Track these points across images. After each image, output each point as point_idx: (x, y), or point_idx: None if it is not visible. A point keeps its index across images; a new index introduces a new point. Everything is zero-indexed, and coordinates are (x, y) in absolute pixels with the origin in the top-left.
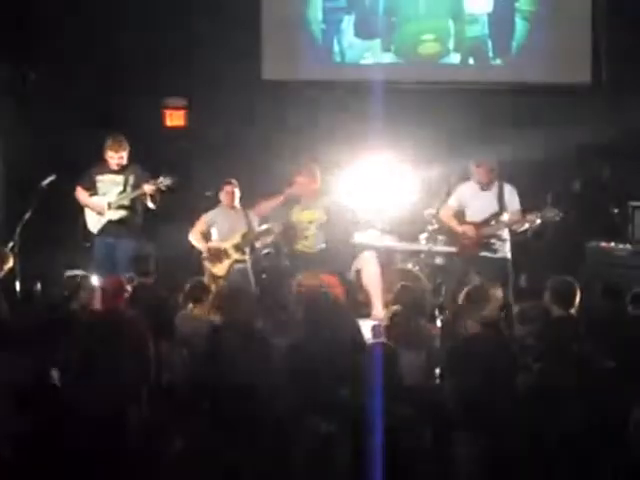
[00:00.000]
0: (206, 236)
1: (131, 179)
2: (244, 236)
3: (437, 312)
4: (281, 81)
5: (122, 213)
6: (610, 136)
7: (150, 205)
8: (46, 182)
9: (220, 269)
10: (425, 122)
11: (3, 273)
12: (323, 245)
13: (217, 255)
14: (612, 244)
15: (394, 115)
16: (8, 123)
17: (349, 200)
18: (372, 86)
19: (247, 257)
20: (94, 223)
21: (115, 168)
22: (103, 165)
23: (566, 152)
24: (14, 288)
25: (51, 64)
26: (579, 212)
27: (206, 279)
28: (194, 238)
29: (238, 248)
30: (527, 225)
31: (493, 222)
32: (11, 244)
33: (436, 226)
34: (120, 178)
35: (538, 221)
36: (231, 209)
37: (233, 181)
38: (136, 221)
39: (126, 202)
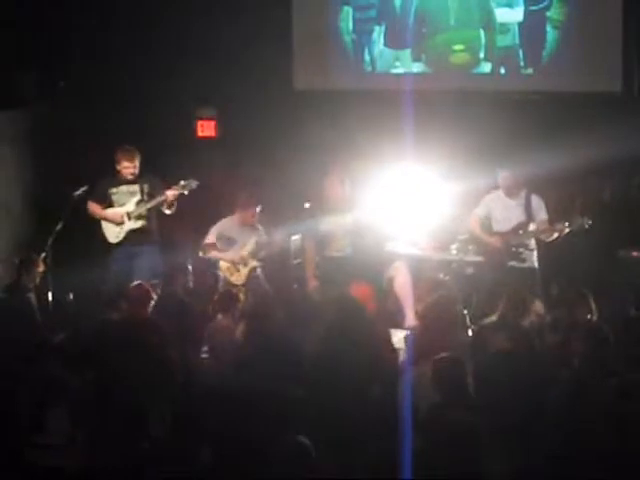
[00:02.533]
0: (217, 247)
1: (146, 187)
2: (257, 244)
3: (468, 322)
4: (312, 91)
5: (142, 222)
6: None
7: (167, 211)
8: (78, 192)
9: (238, 278)
10: (456, 132)
11: (37, 280)
12: (350, 250)
13: (234, 264)
14: None
15: (425, 125)
16: (39, 131)
17: (380, 210)
18: (403, 96)
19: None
20: (114, 234)
21: (130, 178)
22: (115, 177)
23: (596, 161)
24: (47, 298)
25: (82, 72)
26: (609, 221)
27: (222, 288)
28: (205, 251)
29: (253, 255)
30: (556, 234)
31: (521, 231)
32: (43, 255)
33: (467, 236)
34: (135, 187)
35: (567, 230)
36: (245, 224)
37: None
38: (155, 228)
39: (145, 212)
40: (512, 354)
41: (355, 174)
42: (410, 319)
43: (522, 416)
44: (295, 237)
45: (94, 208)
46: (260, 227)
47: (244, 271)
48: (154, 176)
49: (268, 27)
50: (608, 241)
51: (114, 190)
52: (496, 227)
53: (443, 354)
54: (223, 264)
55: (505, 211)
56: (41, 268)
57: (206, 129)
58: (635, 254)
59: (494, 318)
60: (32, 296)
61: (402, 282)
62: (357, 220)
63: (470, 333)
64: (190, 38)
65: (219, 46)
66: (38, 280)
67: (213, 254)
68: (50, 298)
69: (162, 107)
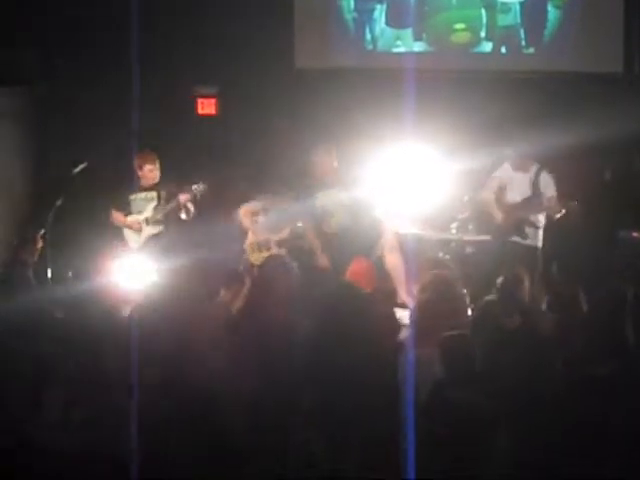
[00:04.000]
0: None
1: (163, 193)
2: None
3: (468, 301)
4: (313, 69)
5: (160, 227)
6: None
7: (183, 216)
8: (78, 169)
9: (258, 259)
10: (457, 111)
11: (35, 256)
12: (347, 224)
13: (259, 246)
14: None
15: (426, 103)
16: (40, 109)
17: (380, 189)
18: (404, 75)
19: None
20: (134, 240)
21: (149, 183)
22: (135, 185)
23: (597, 141)
24: (45, 274)
25: (82, 50)
26: (610, 201)
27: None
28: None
29: (281, 244)
30: (564, 211)
31: (529, 206)
32: (42, 231)
33: (466, 214)
34: (153, 194)
35: (562, 212)
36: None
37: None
38: (173, 233)
39: (162, 217)
40: (512, 333)
41: (355, 152)
42: (402, 296)
43: (525, 397)
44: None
45: (117, 217)
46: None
47: (264, 254)
48: (170, 182)
49: (269, 5)
50: (609, 221)
51: (133, 197)
52: (506, 200)
53: (451, 332)
54: (251, 237)
55: (514, 185)
56: (40, 244)
57: (206, 107)
58: (636, 235)
59: (493, 297)
60: (30, 272)
61: (393, 261)
62: (353, 197)
63: (470, 312)
64: (191, 17)
65: (220, 24)
66: (37, 257)
67: (246, 223)
68: (49, 275)
69: (162, 85)
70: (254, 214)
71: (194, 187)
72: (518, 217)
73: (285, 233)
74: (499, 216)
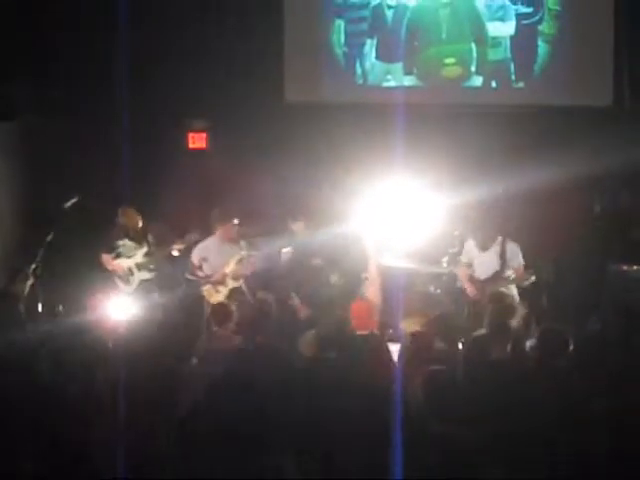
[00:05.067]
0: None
1: (151, 238)
2: (239, 262)
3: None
4: (304, 103)
5: (153, 273)
6: (632, 158)
7: (175, 253)
8: (69, 204)
9: (216, 299)
10: (447, 145)
11: (26, 291)
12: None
13: (213, 285)
14: (633, 267)
15: (416, 138)
16: (30, 143)
17: (371, 223)
18: (394, 109)
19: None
20: (125, 286)
21: (134, 234)
22: (121, 230)
23: (587, 174)
24: (36, 309)
25: (72, 84)
26: (600, 235)
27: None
28: (192, 273)
29: (235, 276)
30: (533, 278)
31: (498, 280)
32: (33, 266)
33: (457, 249)
34: (141, 239)
35: (532, 278)
36: (225, 242)
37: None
38: (166, 275)
39: (154, 264)
40: (503, 367)
41: (345, 186)
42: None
43: (515, 429)
44: (285, 250)
45: (107, 261)
46: (243, 242)
47: (224, 292)
48: (161, 225)
49: (260, 39)
50: (598, 254)
51: (121, 243)
52: (475, 275)
53: (434, 366)
54: (205, 285)
55: (480, 261)
56: (30, 280)
57: (197, 141)
58: (625, 268)
59: (483, 331)
60: (21, 307)
61: (372, 293)
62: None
63: (461, 346)
64: (182, 51)
65: (211, 59)
66: (27, 291)
67: (197, 275)
68: (40, 309)
69: (153, 119)
70: (195, 268)
71: (187, 237)
72: (488, 292)
73: (232, 265)
74: (473, 292)
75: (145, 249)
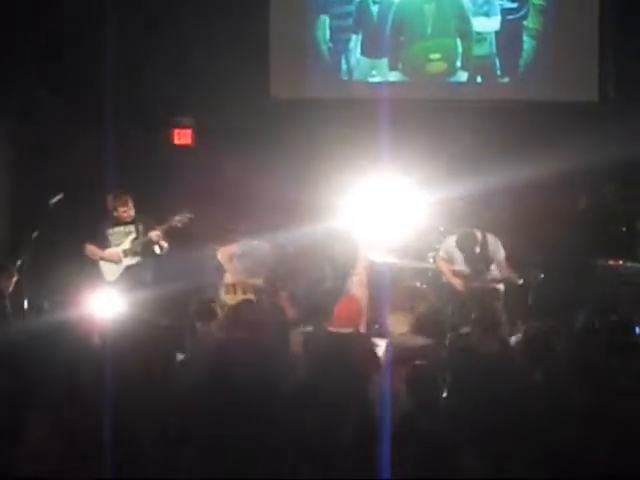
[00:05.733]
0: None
1: (141, 227)
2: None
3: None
4: (289, 99)
5: (138, 258)
6: (617, 154)
7: (157, 251)
8: (54, 200)
9: (232, 300)
10: (433, 140)
11: (11, 287)
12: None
13: (234, 287)
14: (620, 262)
15: (402, 133)
16: (16, 141)
17: (357, 219)
18: (380, 105)
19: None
20: (111, 272)
21: (127, 220)
22: (112, 219)
23: (573, 169)
24: (22, 305)
25: (59, 84)
26: (586, 230)
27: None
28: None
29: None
30: (520, 282)
31: (482, 275)
32: (19, 262)
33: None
34: (131, 227)
35: (520, 281)
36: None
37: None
38: (151, 264)
39: (139, 248)
40: (489, 362)
41: (331, 182)
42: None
43: (498, 426)
44: (272, 246)
45: (93, 250)
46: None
47: (239, 297)
48: (148, 216)
49: (245, 36)
50: (584, 249)
51: (111, 231)
52: (459, 268)
53: (417, 362)
54: (228, 278)
55: (461, 258)
56: (15, 276)
57: (183, 137)
58: (611, 263)
59: (470, 326)
60: (7, 303)
61: (361, 290)
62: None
63: (447, 342)
64: (168, 47)
65: (196, 55)
66: (12, 288)
67: (228, 267)
68: (25, 306)
69: (139, 115)
70: (231, 257)
71: (177, 217)
72: (473, 286)
73: (260, 280)
74: (460, 285)
75: (134, 235)
